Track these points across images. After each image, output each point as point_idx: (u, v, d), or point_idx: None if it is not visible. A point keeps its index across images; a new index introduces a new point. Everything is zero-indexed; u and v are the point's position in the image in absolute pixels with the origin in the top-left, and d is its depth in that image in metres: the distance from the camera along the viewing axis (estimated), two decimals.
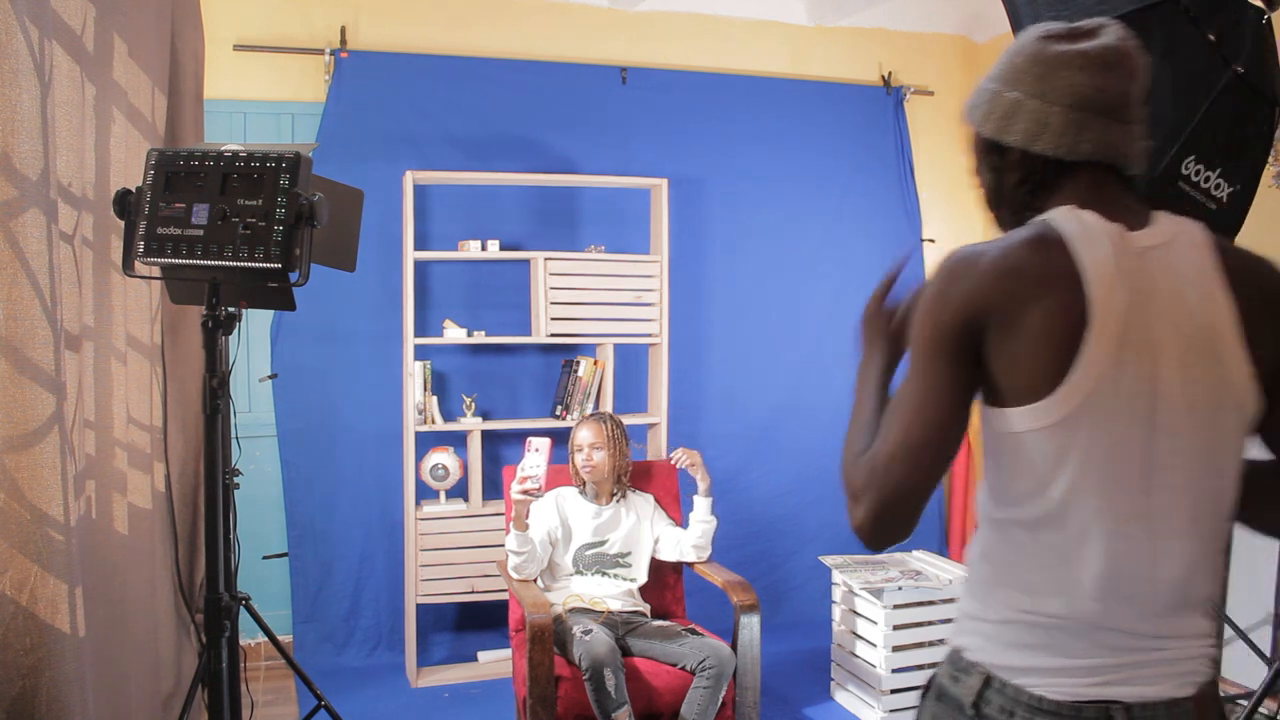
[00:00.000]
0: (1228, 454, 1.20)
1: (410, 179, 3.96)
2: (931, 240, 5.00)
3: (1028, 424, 1.13)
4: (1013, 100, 1.22)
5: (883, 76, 4.90)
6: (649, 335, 4.23)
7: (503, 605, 3.89)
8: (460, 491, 4.13)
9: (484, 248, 4.11)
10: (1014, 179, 1.26)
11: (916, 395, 1.15)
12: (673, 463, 3.49)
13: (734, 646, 3.07)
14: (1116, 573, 1.14)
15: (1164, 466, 1.14)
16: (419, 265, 4.06)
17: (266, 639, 2.96)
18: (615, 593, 3.26)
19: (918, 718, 1.30)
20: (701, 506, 3.35)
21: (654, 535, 3.38)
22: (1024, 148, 1.22)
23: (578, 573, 3.29)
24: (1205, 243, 1.21)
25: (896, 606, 3.47)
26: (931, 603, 3.52)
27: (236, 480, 2.40)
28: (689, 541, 3.34)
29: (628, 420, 3.74)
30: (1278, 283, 1.21)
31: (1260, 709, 3.18)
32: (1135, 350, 1.12)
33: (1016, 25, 1.87)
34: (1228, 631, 3.56)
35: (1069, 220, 1.17)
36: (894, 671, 3.49)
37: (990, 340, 1.13)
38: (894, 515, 1.15)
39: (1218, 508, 1.19)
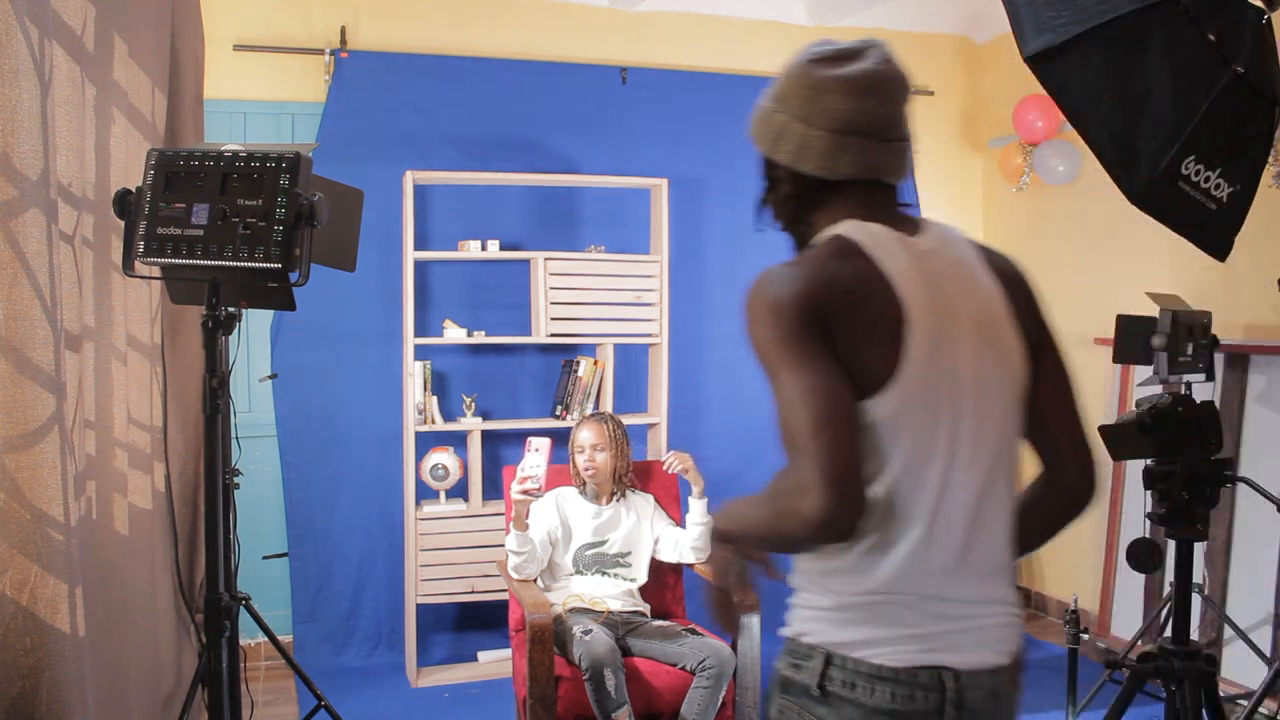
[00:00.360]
0: (1015, 426, 1.32)
1: (410, 179, 3.95)
2: None
3: (870, 416, 1.21)
4: (782, 122, 1.32)
5: None
6: (649, 335, 4.23)
7: (503, 605, 3.88)
8: (460, 491, 4.13)
9: (484, 248, 4.11)
10: (786, 193, 1.35)
11: (799, 382, 1.17)
12: (665, 468, 3.49)
13: (734, 646, 3.07)
14: (937, 547, 1.23)
15: (970, 443, 1.25)
16: (419, 265, 4.06)
17: (266, 639, 2.96)
18: (615, 593, 3.26)
19: (765, 713, 1.34)
20: (697, 509, 3.35)
21: (654, 535, 3.38)
22: (791, 166, 1.32)
23: (578, 573, 3.29)
24: (966, 242, 1.35)
25: None
26: None
27: (236, 480, 2.40)
28: (687, 543, 3.34)
29: (627, 420, 3.74)
30: (1016, 269, 1.39)
31: (1260, 709, 3.18)
32: (942, 339, 1.24)
33: (1016, 25, 1.87)
34: (1228, 631, 3.56)
35: (860, 232, 1.27)
36: None
37: (831, 341, 1.20)
38: (843, 477, 1.14)
39: (1012, 479, 1.30)
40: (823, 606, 1.26)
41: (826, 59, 1.30)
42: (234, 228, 1.95)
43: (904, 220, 1.32)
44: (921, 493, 1.23)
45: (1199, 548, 2.93)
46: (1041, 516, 1.36)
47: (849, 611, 1.24)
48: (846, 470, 1.14)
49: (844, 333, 1.20)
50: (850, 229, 1.27)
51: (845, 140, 1.28)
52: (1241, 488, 3.44)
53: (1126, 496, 4.24)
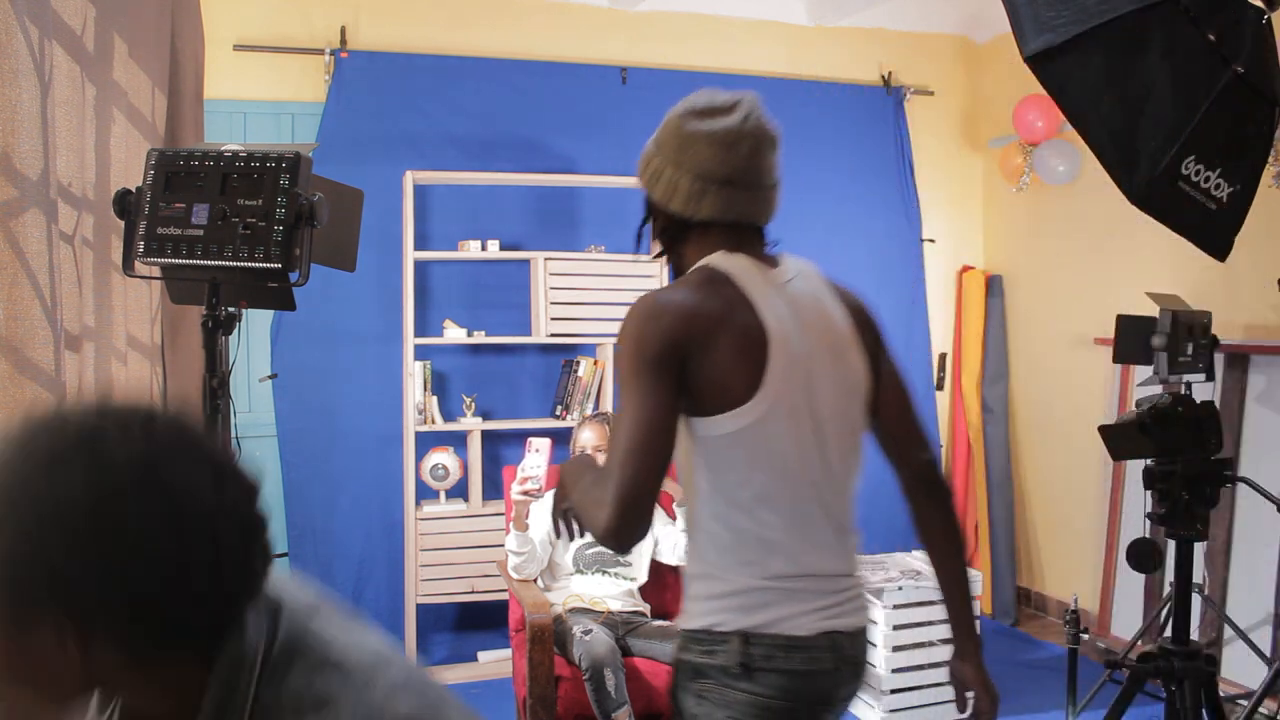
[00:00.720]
0: (861, 431, 1.56)
1: (410, 179, 3.95)
2: (931, 240, 5.00)
3: (736, 425, 1.40)
4: (657, 165, 1.53)
5: (883, 76, 4.90)
6: None
7: (503, 605, 3.88)
8: (460, 491, 4.13)
9: (484, 248, 4.11)
10: (659, 227, 1.56)
11: (633, 412, 1.36)
12: None
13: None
14: (811, 533, 1.47)
15: (824, 446, 1.47)
16: (419, 265, 4.06)
17: None
18: (615, 592, 3.26)
19: (678, 704, 1.50)
20: (683, 515, 3.35)
21: (654, 536, 3.38)
22: (662, 206, 1.52)
23: (578, 572, 3.29)
24: (819, 276, 1.56)
25: (896, 606, 3.47)
26: (931, 603, 3.52)
27: None
28: (684, 546, 3.34)
29: None
30: (858, 299, 1.60)
31: (1260, 709, 3.18)
32: (799, 355, 1.44)
33: (1016, 25, 1.87)
34: (1228, 631, 3.56)
35: (727, 262, 1.47)
36: (894, 671, 3.49)
37: (691, 365, 1.39)
38: (635, 505, 1.34)
39: (857, 474, 1.55)
40: (729, 594, 1.45)
41: (699, 113, 1.52)
42: (234, 228, 1.95)
43: (766, 256, 1.53)
44: (796, 488, 1.45)
45: (1199, 548, 2.93)
46: (927, 517, 1.64)
47: (756, 595, 1.44)
48: (639, 498, 1.33)
49: (712, 355, 1.39)
50: (719, 260, 1.48)
51: (708, 187, 1.48)
52: (1241, 488, 3.44)
53: (1126, 496, 4.24)
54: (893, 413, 1.59)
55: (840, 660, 1.47)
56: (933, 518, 1.64)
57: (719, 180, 1.48)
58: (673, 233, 1.54)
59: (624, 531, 1.34)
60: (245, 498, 0.85)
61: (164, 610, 0.79)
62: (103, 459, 0.77)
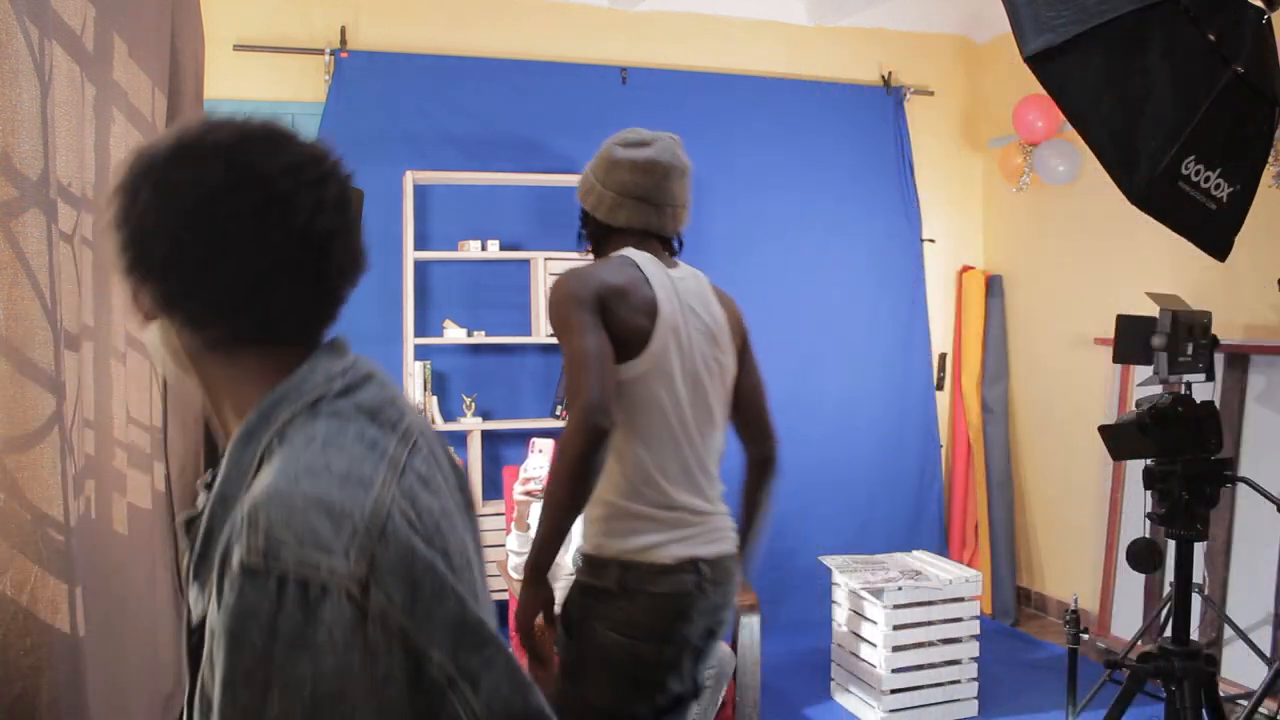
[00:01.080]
0: (725, 405, 1.95)
1: (410, 179, 3.95)
2: (931, 240, 5.00)
3: (631, 374, 1.79)
4: (590, 182, 1.95)
5: (883, 76, 4.90)
6: None
7: (503, 605, 3.88)
8: None
9: (484, 248, 4.11)
10: (589, 230, 1.98)
11: (579, 341, 1.73)
12: None
13: (734, 646, 3.06)
14: (686, 471, 1.84)
15: (697, 407, 1.86)
16: (419, 265, 4.06)
17: None
18: None
19: (567, 613, 1.82)
20: None
21: None
22: (591, 214, 1.95)
23: None
24: (705, 280, 1.98)
25: (896, 606, 3.47)
26: (931, 603, 3.52)
27: None
28: None
29: None
30: (732, 301, 2.03)
31: (1260, 709, 3.18)
32: (680, 332, 1.84)
33: (1016, 25, 1.87)
34: (1228, 631, 3.56)
35: (637, 254, 1.88)
36: (894, 671, 3.49)
37: (606, 317, 1.77)
38: (601, 399, 1.68)
39: (722, 435, 1.96)
40: (611, 517, 1.79)
41: (625, 144, 1.91)
42: None
43: (666, 259, 1.94)
44: (672, 434, 1.82)
45: (1199, 548, 2.93)
46: (755, 484, 2.03)
47: (631, 521, 1.78)
48: (602, 395, 1.68)
49: (618, 312, 1.78)
50: (630, 252, 1.89)
51: (624, 201, 1.90)
52: (1241, 488, 3.44)
53: (1126, 496, 4.24)
54: (748, 403, 2.01)
55: (701, 581, 1.80)
56: (758, 486, 2.04)
57: (634, 196, 1.89)
58: (598, 236, 1.96)
59: (598, 416, 1.66)
60: (339, 212, 0.96)
61: (245, 300, 0.89)
62: (222, 159, 0.89)
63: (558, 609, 1.84)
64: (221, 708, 0.79)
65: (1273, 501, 3.06)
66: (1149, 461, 2.39)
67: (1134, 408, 2.41)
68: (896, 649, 3.50)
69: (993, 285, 5.02)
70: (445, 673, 0.84)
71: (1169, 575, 3.03)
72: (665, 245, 1.95)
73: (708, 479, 1.89)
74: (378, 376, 1.01)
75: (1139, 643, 3.60)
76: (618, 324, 1.77)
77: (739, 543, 1.95)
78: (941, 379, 5.10)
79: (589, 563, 1.82)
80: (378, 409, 0.94)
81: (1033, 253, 4.88)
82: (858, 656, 3.64)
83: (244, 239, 0.88)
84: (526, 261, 4.22)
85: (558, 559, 1.79)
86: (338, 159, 1.01)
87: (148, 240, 0.89)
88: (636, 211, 1.89)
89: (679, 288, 1.87)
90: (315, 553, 0.79)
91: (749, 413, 2.01)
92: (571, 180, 4.29)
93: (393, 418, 0.94)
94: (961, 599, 3.57)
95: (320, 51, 4.09)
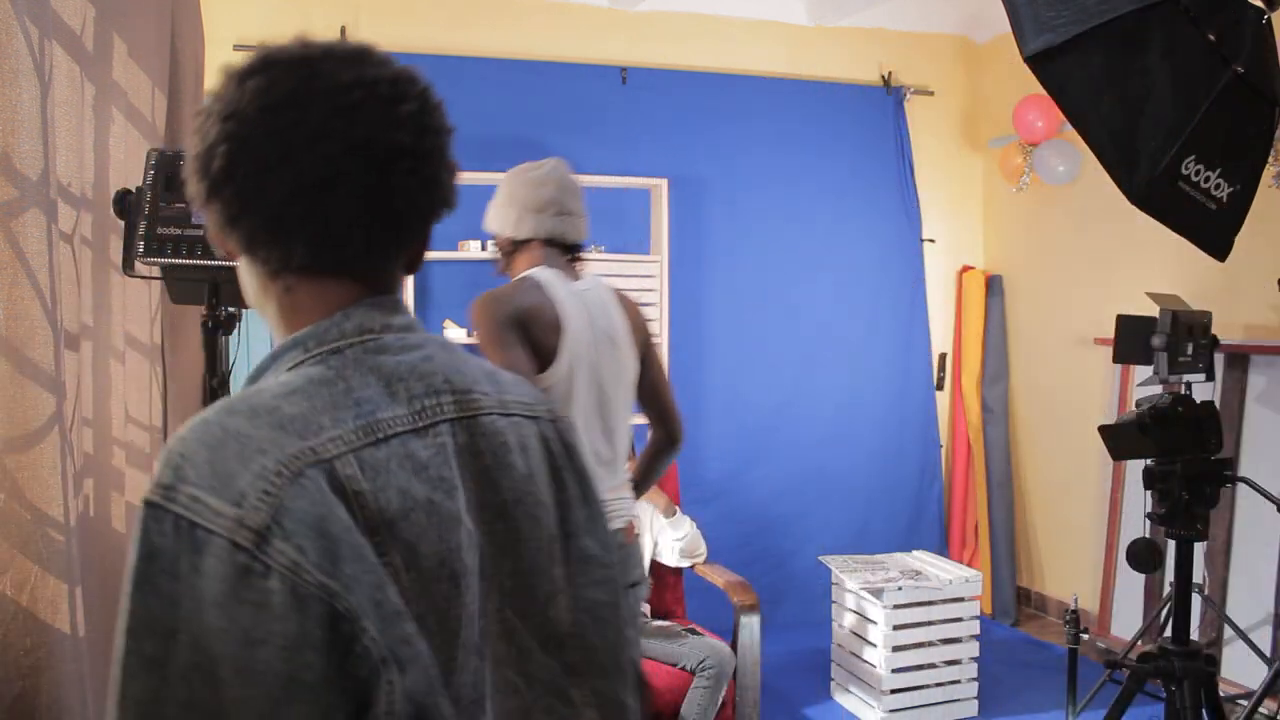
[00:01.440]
0: (630, 400, 2.20)
1: None
2: (931, 240, 5.00)
3: (546, 384, 2.02)
4: (499, 202, 2.23)
5: (883, 76, 4.90)
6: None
7: None
8: None
9: (484, 248, 4.11)
10: (500, 245, 2.25)
11: (502, 357, 1.96)
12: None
13: (734, 646, 3.07)
14: (597, 455, 2.09)
15: (605, 405, 2.11)
16: None
17: None
18: None
19: None
20: (669, 528, 3.37)
21: (653, 537, 3.38)
22: (499, 230, 2.23)
23: None
24: (608, 288, 2.21)
25: (896, 606, 3.47)
26: (931, 603, 3.52)
27: None
28: (679, 550, 3.36)
29: None
30: (635, 305, 2.27)
31: (1260, 709, 3.18)
32: (585, 344, 2.07)
33: (1016, 25, 1.87)
34: (1228, 631, 3.56)
35: (540, 274, 2.11)
36: (894, 671, 3.49)
37: (526, 336, 2.00)
38: None
39: (628, 422, 2.20)
40: None
41: (524, 169, 2.23)
42: None
43: (569, 271, 2.17)
44: (586, 432, 2.05)
45: (1199, 548, 2.93)
46: (651, 455, 2.29)
47: None
48: None
49: (532, 331, 2.02)
50: (535, 273, 2.11)
51: (526, 213, 2.17)
52: (1241, 488, 3.44)
53: (1126, 496, 4.24)
54: (653, 395, 2.28)
55: None
56: (656, 456, 2.30)
57: (533, 209, 2.17)
58: (507, 250, 2.23)
59: None
60: (413, 132, 0.87)
61: (298, 217, 0.84)
62: (296, 69, 0.89)
63: None
64: (123, 657, 0.70)
65: (1273, 501, 3.06)
66: (1149, 461, 2.39)
67: (1134, 408, 2.41)
68: (897, 649, 3.50)
69: (993, 285, 5.02)
70: (379, 649, 0.73)
71: (1169, 575, 3.03)
72: (569, 253, 2.18)
73: (610, 469, 2.15)
74: (429, 350, 0.89)
75: (1139, 643, 3.60)
76: (533, 341, 2.02)
77: (632, 488, 2.25)
78: (941, 379, 5.10)
79: None
80: (399, 376, 0.85)
81: (1033, 253, 4.88)
82: (858, 656, 3.64)
83: (301, 150, 0.83)
84: None
85: None
86: (426, 84, 0.91)
87: (211, 151, 0.85)
88: (539, 223, 2.16)
89: (583, 299, 2.10)
90: (206, 494, 0.71)
91: (655, 403, 2.28)
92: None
93: (416, 392, 0.85)
94: (961, 599, 3.57)
95: None
